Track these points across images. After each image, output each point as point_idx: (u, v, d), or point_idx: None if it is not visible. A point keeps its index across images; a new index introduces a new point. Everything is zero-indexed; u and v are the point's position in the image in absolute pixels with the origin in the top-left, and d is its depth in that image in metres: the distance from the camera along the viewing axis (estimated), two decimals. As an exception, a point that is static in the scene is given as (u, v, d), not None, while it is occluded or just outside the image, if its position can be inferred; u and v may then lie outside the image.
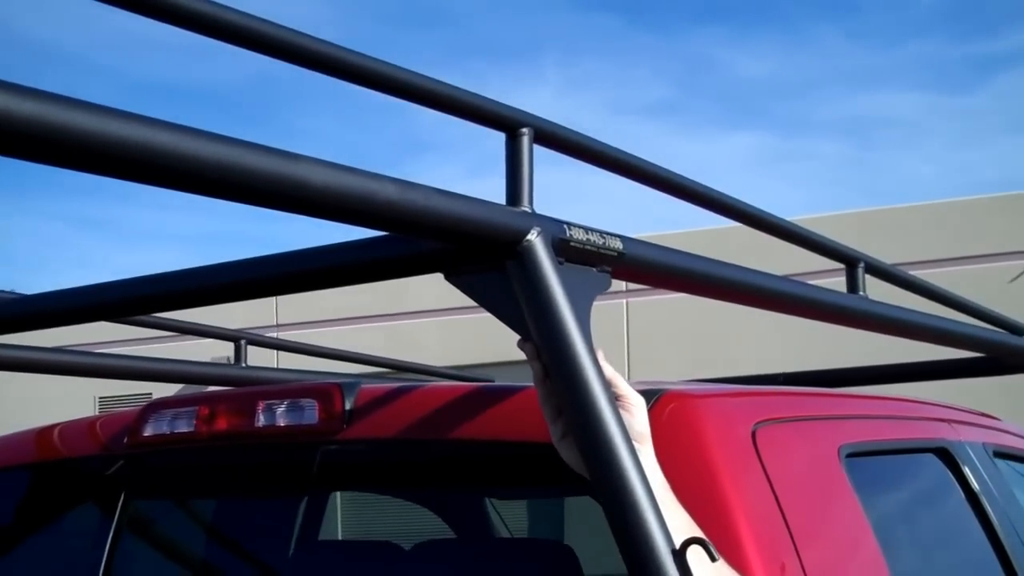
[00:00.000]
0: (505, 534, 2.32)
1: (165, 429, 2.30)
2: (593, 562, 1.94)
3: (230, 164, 1.23)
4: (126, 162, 1.17)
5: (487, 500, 2.21)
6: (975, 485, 2.39)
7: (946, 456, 2.40)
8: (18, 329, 2.22)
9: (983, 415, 2.87)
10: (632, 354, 12.11)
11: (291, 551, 2.15)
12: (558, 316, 1.54)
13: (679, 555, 1.45)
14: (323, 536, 2.27)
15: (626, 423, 1.55)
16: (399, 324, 12.60)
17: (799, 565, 1.70)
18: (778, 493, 1.76)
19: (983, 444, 2.60)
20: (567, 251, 1.63)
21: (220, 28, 1.40)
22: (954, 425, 2.55)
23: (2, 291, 2.62)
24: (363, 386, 2.16)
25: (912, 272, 2.94)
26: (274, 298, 13.43)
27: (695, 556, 1.45)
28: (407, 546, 2.26)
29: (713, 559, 1.46)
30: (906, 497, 2.39)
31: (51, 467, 2.53)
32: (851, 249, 2.49)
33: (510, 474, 2.02)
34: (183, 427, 2.28)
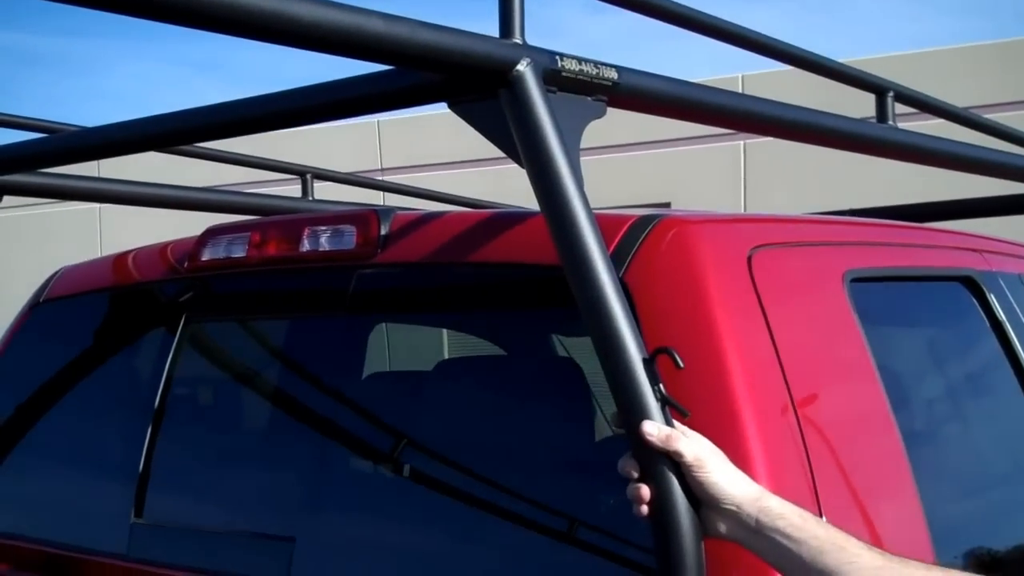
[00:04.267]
0: (522, 352, 2.50)
1: (221, 254, 2.50)
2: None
3: (234, 3, 1.40)
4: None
5: (506, 320, 2.37)
6: (1001, 315, 2.47)
7: (972, 285, 2.48)
8: (82, 159, 2.44)
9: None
10: (748, 196, 12.13)
11: (332, 371, 2.36)
12: (544, 140, 1.69)
13: (649, 363, 1.62)
14: (365, 356, 2.46)
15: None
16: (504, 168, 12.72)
17: (784, 384, 1.84)
18: (768, 315, 1.89)
19: (1020, 275, 2.67)
20: (559, 81, 1.78)
21: None
22: (986, 255, 2.61)
23: (66, 123, 2.87)
24: (398, 213, 2.33)
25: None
26: (378, 142, 13.65)
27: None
28: (431, 366, 2.47)
29: (678, 366, 1.63)
30: (919, 323, 2.49)
31: (125, 291, 2.77)
32: (879, 78, 2.56)
33: (528, 294, 2.17)
34: (237, 252, 2.49)
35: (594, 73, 1.82)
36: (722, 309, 1.87)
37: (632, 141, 11.44)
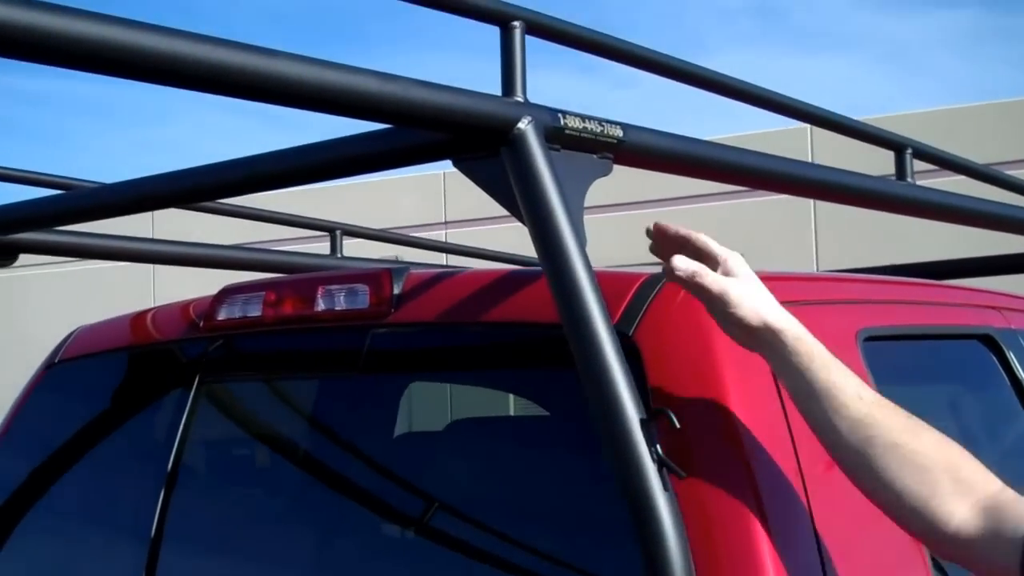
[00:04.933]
0: (536, 412, 2.50)
1: (237, 313, 2.52)
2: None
3: (217, 62, 1.42)
4: (127, 64, 1.37)
5: (520, 380, 2.37)
6: (1022, 374, 2.44)
7: (991, 344, 2.46)
8: (102, 216, 2.47)
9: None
10: (820, 249, 12.13)
11: (348, 432, 2.36)
12: (545, 199, 1.70)
13: (646, 424, 1.62)
14: (385, 416, 2.47)
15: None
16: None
17: (792, 446, 1.83)
18: (779, 374, 1.88)
19: (1044, 334, 2.64)
20: (562, 138, 1.79)
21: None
22: (1006, 312, 2.59)
23: (86, 180, 2.91)
24: (412, 271, 2.35)
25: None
26: (443, 196, 13.75)
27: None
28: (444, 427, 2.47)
29: (675, 427, 1.63)
30: (936, 383, 2.47)
31: (140, 351, 2.80)
32: (897, 135, 2.55)
33: (542, 354, 2.18)
34: (253, 311, 2.51)
35: (598, 131, 1.84)
36: (732, 369, 1.86)
37: (704, 192, 11.44)
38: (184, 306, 2.69)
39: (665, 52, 2.04)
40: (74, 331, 2.90)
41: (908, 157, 2.52)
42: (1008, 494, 1.60)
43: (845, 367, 1.71)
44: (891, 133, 2.55)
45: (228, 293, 2.55)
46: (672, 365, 1.89)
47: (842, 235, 11.50)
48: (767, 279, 2.25)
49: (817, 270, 11.44)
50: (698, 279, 1.73)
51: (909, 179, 2.52)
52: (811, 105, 2.43)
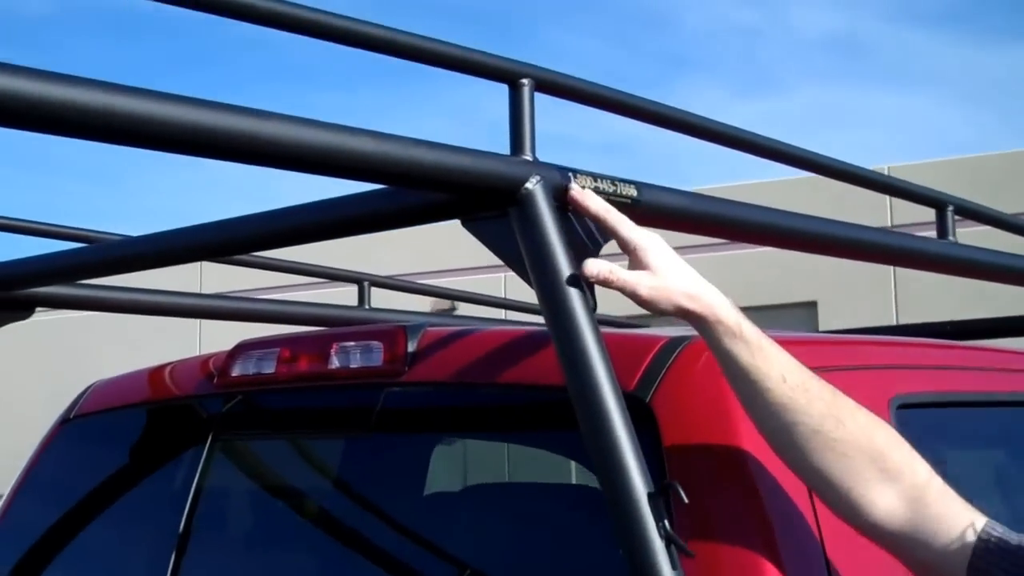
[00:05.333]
0: (553, 479, 2.44)
1: (251, 370, 2.49)
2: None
3: (207, 126, 1.38)
4: (127, 132, 1.33)
5: (535, 443, 2.32)
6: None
7: (1041, 412, 2.37)
8: (127, 270, 2.45)
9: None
10: (899, 296, 12.00)
11: (361, 491, 2.32)
12: (552, 261, 1.64)
13: (654, 498, 1.55)
14: (398, 475, 2.42)
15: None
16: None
17: (815, 517, 1.76)
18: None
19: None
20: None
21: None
22: (1059, 378, 2.49)
23: (109, 232, 2.88)
24: (428, 328, 2.30)
25: None
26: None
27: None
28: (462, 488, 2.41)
29: (683, 501, 1.56)
30: (978, 455, 2.38)
31: (155, 407, 2.77)
32: (938, 192, 2.47)
33: (556, 419, 2.12)
34: (267, 368, 2.47)
35: (611, 190, 1.78)
36: (752, 437, 1.80)
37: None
38: (200, 362, 2.66)
39: (680, 107, 1.98)
40: (90, 386, 2.88)
41: (949, 214, 2.44)
42: (934, 487, 1.62)
43: (774, 347, 1.70)
44: (931, 190, 2.47)
45: (243, 349, 2.52)
46: (690, 433, 1.83)
47: (924, 283, 11.31)
48: (791, 343, 2.18)
49: (897, 321, 11.31)
50: (609, 285, 1.66)
51: (951, 237, 2.43)
52: (847, 163, 2.36)
